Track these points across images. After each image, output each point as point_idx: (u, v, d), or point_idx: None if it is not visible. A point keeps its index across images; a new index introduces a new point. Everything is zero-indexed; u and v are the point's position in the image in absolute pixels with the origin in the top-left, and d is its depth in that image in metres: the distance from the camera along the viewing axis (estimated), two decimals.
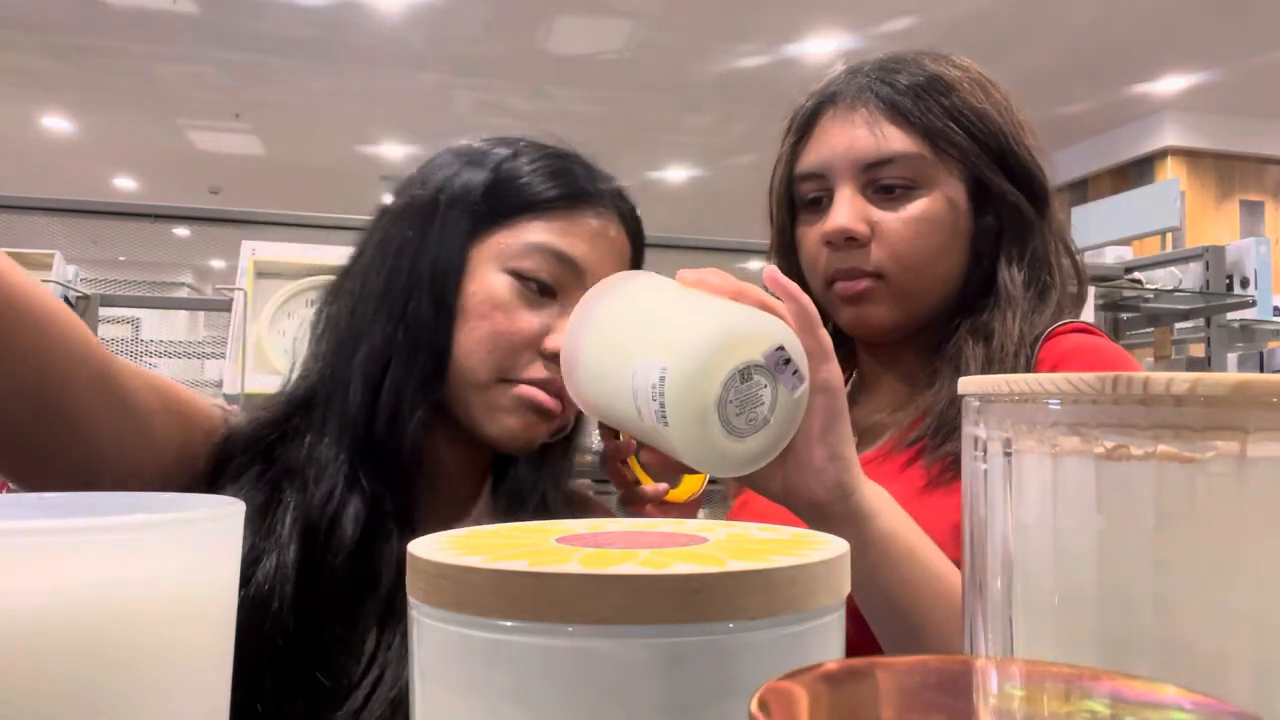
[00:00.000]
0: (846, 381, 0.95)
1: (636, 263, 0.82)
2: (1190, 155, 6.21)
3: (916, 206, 0.85)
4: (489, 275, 0.73)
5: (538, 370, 0.73)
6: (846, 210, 0.85)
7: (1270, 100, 5.90)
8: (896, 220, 0.85)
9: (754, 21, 4.88)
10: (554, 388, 0.73)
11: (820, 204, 0.89)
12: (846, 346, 0.94)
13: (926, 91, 0.87)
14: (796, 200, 0.91)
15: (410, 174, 0.82)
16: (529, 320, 0.73)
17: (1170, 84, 5.75)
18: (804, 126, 0.91)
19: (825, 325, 0.89)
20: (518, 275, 0.73)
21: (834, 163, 0.87)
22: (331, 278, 0.82)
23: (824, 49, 5.19)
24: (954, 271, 0.88)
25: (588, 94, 5.85)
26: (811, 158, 0.89)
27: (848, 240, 0.85)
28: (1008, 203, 0.87)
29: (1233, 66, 5.50)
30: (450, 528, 0.79)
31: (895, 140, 0.85)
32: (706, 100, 5.92)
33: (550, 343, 0.72)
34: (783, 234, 0.94)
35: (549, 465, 0.82)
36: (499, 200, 0.75)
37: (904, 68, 0.89)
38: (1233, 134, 6.24)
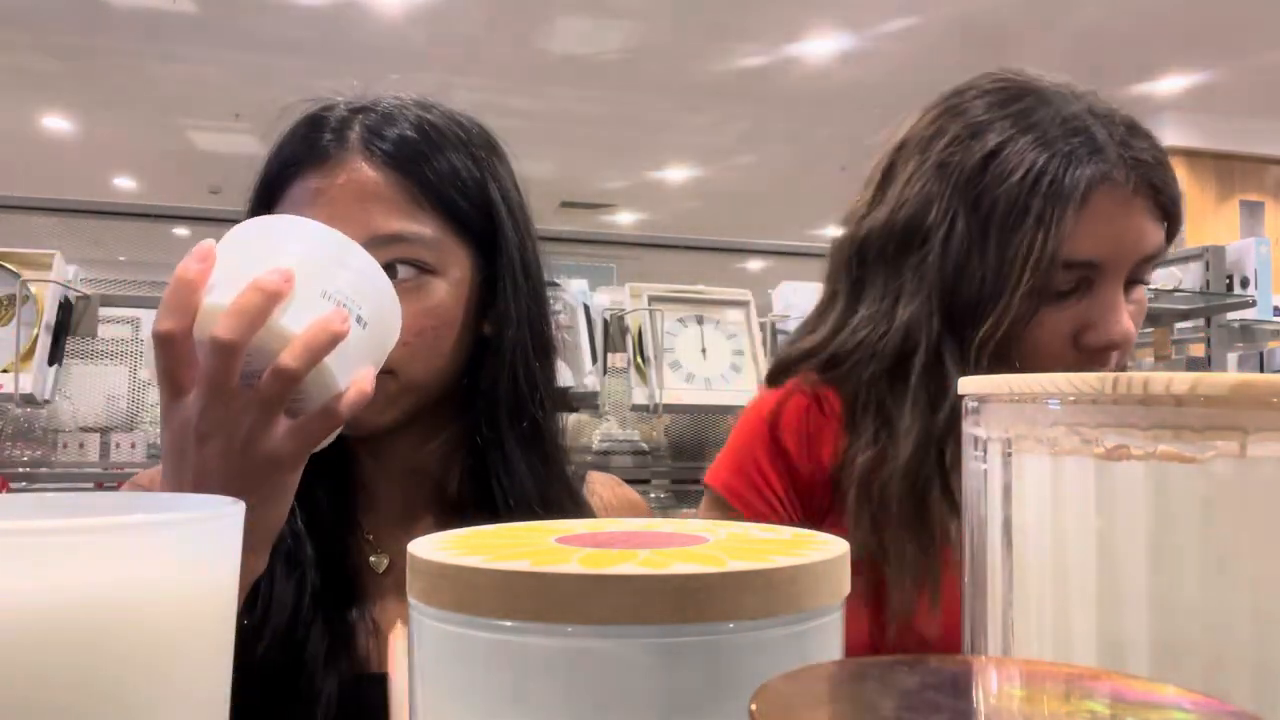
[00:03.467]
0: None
1: (411, 164, 0.74)
2: (1190, 155, 6.21)
3: (1139, 296, 0.83)
4: None
5: None
6: (1125, 316, 0.80)
7: (1270, 100, 5.89)
8: (1134, 320, 0.82)
9: (754, 21, 4.88)
10: None
11: (1073, 293, 0.80)
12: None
13: (1172, 181, 0.82)
14: (1051, 282, 0.79)
15: None
16: None
17: (1170, 84, 5.75)
18: (1081, 198, 0.77)
19: None
20: None
21: (1120, 255, 0.79)
22: None
23: (824, 49, 5.19)
24: None
25: (588, 94, 5.85)
26: (1093, 243, 0.78)
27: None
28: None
29: (1233, 66, 5.50)
30: (405, 534, 0.77)
31: (1161, 236, 0.82)
32: (706, 100, 5.91)
33: None
34: (1024, 316, 0.79)
35: (520, 459, 0.77)
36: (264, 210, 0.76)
37: (1150, 142, 0.83)
38: (1233, 134, 6.24)
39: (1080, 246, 0.76)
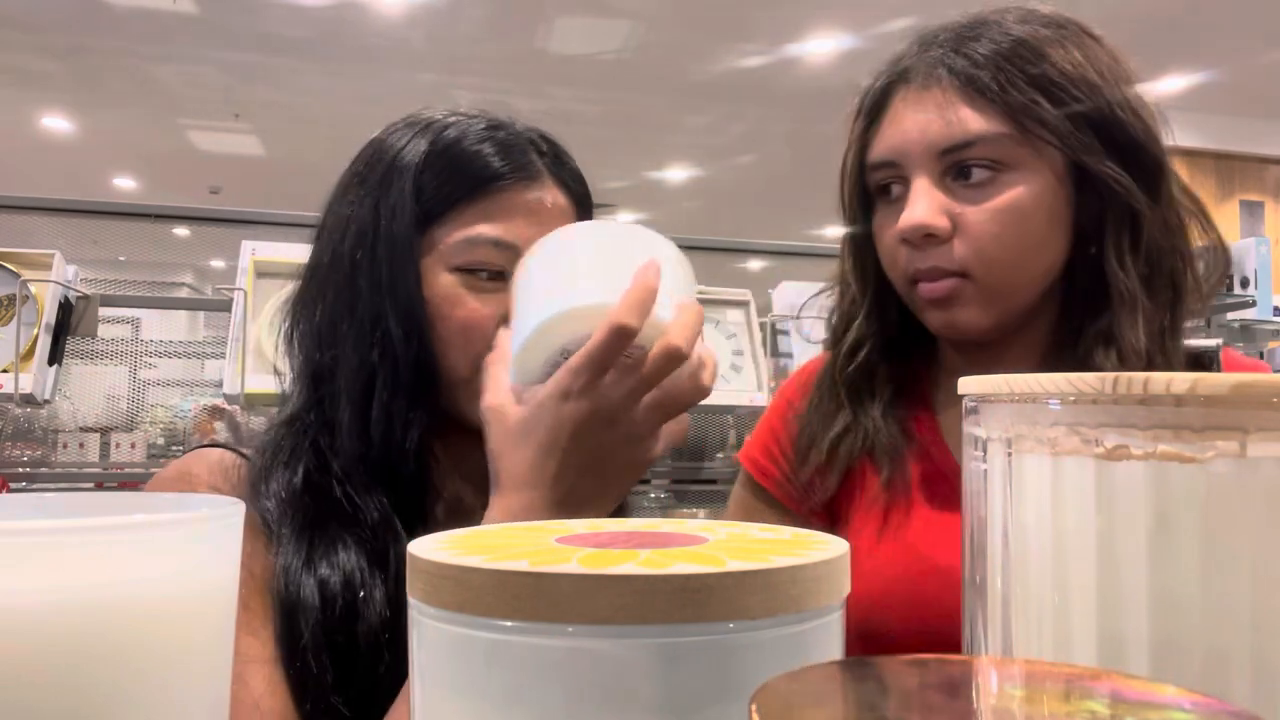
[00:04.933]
0: (928, 384, 0.89)
1: (583, 207, 0.82)
2: (1190, 155, 6.21)
3: (1003, 195, 0.76)
4: (437, 278, 0.75)
5: None
6: (923, 204, 0.77)
7: (1270, 100, 5.89)
8: (980, 212, 0.76)
9: (754, 21, 4.88)
10: None
11: (894, 194, 0.81)
12: (927, 344, 0.88)
13: (1010, 60, 0.77)
14: (870, 189, 0.83)
15: (347, 177, 0.81)
16: (488, 304, 0.74)
17: (1170, 84, 5.75)
18: (875, 108, 0.82)
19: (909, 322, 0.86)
20: (463, 270, 0.75)
21: (907, 150, 0.78)
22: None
23: (824, 49, 5.19)
24: (1054, 264, 0.79)
25: (588, 94, 5.85)
26: (883, 145, 0.81)
27: (926, 237, 0.77)
28: (1110, 184, 0.77)
29: (1233, 66, 5.50)
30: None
31: (973, 121, 0.76)
32: (706, 100, 5.91)
33: None
34: (857, 226, 0.85)
35: None
36: (425, 209, 0.76)
37: (985, 33, 0.79)
38: (1233, 134, 6.24)
39: (878, 148, 0.82)
